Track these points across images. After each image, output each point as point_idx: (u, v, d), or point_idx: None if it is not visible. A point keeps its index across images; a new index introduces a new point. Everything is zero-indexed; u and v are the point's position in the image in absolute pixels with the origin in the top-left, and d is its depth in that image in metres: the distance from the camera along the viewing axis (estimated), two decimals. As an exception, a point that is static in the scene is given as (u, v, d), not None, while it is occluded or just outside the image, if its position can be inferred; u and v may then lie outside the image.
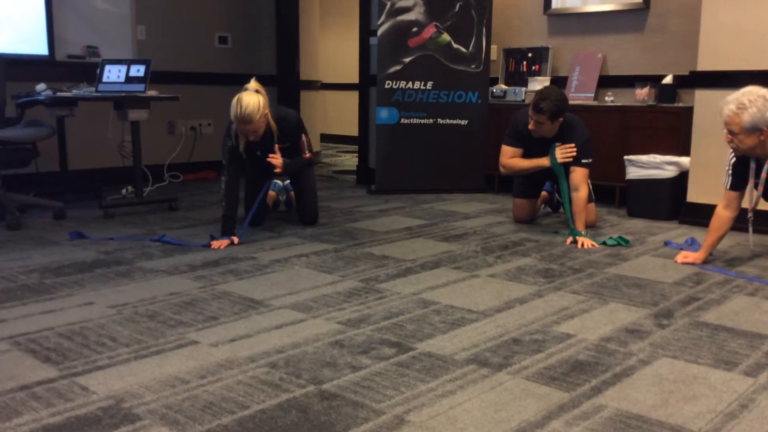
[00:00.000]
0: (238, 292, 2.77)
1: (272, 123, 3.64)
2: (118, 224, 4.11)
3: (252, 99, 3.46)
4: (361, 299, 2.69)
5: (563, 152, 3.79)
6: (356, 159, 6.43)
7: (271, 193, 4.37)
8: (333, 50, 9.65)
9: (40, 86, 4.64)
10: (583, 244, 3.61)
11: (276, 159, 3.70)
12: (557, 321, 2.45)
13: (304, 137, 3.91)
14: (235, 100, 3.48)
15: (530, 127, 3.79)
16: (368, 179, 5.86)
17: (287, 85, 6.89)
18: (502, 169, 4.11)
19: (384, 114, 5.36)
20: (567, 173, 3.88)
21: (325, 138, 9.08)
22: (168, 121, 6.09)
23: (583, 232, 3.70)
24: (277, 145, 3.74)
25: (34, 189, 4.82)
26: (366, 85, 5.98)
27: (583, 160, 3.79)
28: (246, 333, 2.31)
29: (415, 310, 2.57)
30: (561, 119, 3.77)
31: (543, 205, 4.52)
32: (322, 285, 2.88)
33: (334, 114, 9.81)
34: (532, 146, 3.94)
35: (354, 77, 6.33)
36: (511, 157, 4.03)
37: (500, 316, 2.50)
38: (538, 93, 3.75)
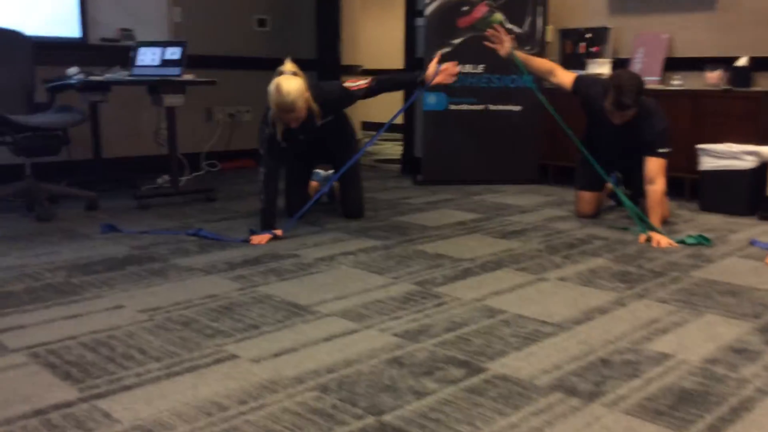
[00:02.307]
0: (280, 295, 2.49)
1: (314, 105, 3.34)
2: (153, 216, 3.87)
3: (292, 85, 3.16)
4: (418, 306, 2.40)
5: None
6: (399, 148, 6.12)
7: (313, 183, 4.09)
8: (375, 33, 9.31)
9: (72, 70, 4.41)
10: (659, 243, 3.25)
11: None
12: (648, 337, 2.12)
13: (350, 87, 3.52)
14: (273, 86, 3.17)
15: (615, 122, 3.42)
16: (414, 169, 5.54)
17: (327, 70, 6.59)
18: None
19: (431, 100, 5.03)
20: (639, 163, 3.53)
21: (367, 126, 8.75)
22: (205, 108, 5.85)
23: (659, 229, 3.35)
24: None
25: (67, 178, 4.62)
26: (411, 69, 5.65)
27: (660, 150, 3.42)
28: (291, 346, 2.03)
29: (481, 320, 2.26)
30: None
31: (607, 198, 4.16)
32: (372, 288, 2.59)
33: (376, 100, 9.46)
34: (600, 122, 3.56)
35: (397, 62, 6.01)
36: (558, 68, 3.81)
37: (581, 330, 2.18)
38: (614, 87, 3.31)
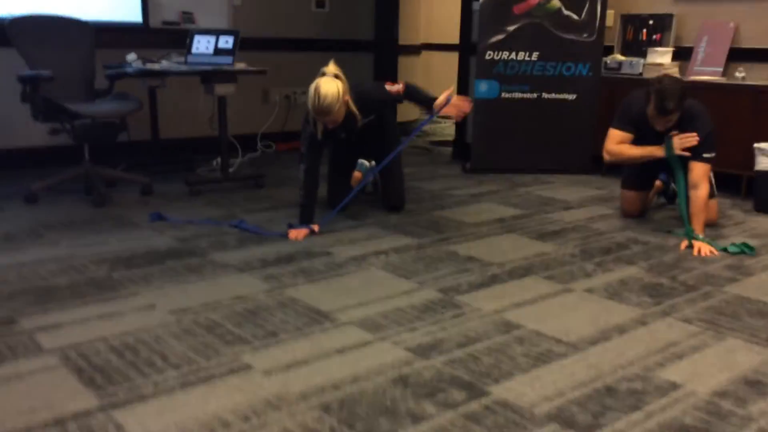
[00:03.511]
0: (305, 299, 2.57)
1: (353, 108, 3.38)
2: (202, 203, 4.01)
3: (330, 88, 3.20)
4: (436, 316, 2.43)
5: (682, 141, 3.33)
6: (456, 125, 6.08)
7: (356, 174, 4.13)
8: (434, 11, 9.20)
9: (131, 56, 4.57)
10: (699, 251, 3.17)
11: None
12: (662, 362, 2.10)
13: (390, 90, 3.54)
14: (312, 88, 3.23)
15: (659, 129, 3.34)
16: (464, 155, 5.52)
17: (385, 51, 6.59)
18: (606, 156, 3.66)
19: (483, 87, 4.98)
20: (685, 165, 3.44)
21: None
22: (262, 90, 5.95)
23: (701, 236, 3.26)
24: None
25: (126, 158, 4.81)
26: (466, 53, 5.59)
27: (705, 155, 3.32)
28: (304, 357, 2.10)
29: (495, 335, 2.28)
30: None
31: (656, 196, 4.06)
32: (396, 294, 2.64)
33: (437, 76, 9.41)
34: (647, 134, 3.49)
35: (458, 37, 5.93)
36: (619, 143, 3.59)
37: (594, 352, 2.17)
38: (656, 93, 3.23)
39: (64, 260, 2.95)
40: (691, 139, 3.30)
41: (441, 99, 3.49)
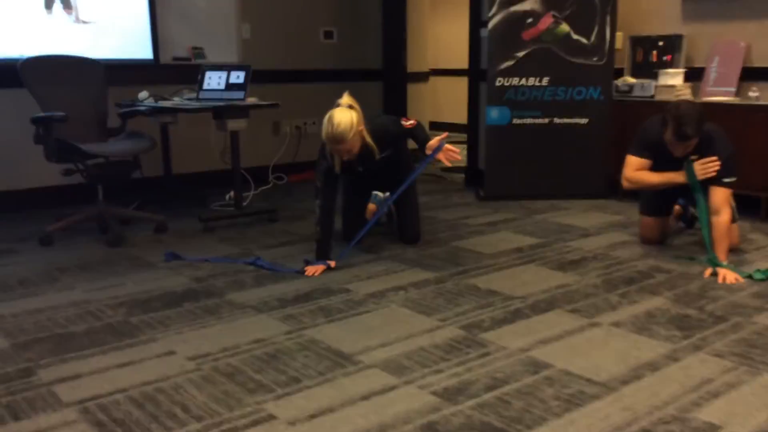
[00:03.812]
0: (326, 341, 2.52)
1: (369, 140, 3.36)
2: (216, 240, 3.98)
3: (344, 117, 3.19)
4: (461, 356, 2.38)
5: (704, 167, 3.28)
6: (468, 151, 6.04)
7: (371, 206, 4.10)
8: (445, 34, 9.24)
9: (143, 94, 4.59)
10: (725, 279, 3.11)
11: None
12: (698, 402, 2.04)
13: (405, 124, 3.55)
14: (326, 118, 3.23)
15: (678, 154, 3.30)
16: (477, 181, 5.48)
17: (394, 80, 6.59)
18: (625, 183, 3.61)
19: (494, 114, 4.96)
20: (706, 191, 3.38)
21: (435, 126, 8.72)
22: (273, 122, 5.95)
23: (724, 263, 3.20)
24: None
25: (140, 194, 4.80)
26: (476, 79, 5.58)
27: (725, 179, 3.26)
28: (329, 405, 2.05)
29: (524, 376, 2.22)
30: None
31: (676, 221, 4.01)
32: (418, 332, 2.59)
33: (445, 100, 9.41)
34: (665, 160, 3.45)
35: (466, 62, 5.93)
36: (637, 170, 3.54)
37: (627, 392, 2.11)
38: (673, 118, 3.18)
39: (81, 305, 2.91)
40: (713, 166, 3.25)
41: (434, 142, 3.43)
